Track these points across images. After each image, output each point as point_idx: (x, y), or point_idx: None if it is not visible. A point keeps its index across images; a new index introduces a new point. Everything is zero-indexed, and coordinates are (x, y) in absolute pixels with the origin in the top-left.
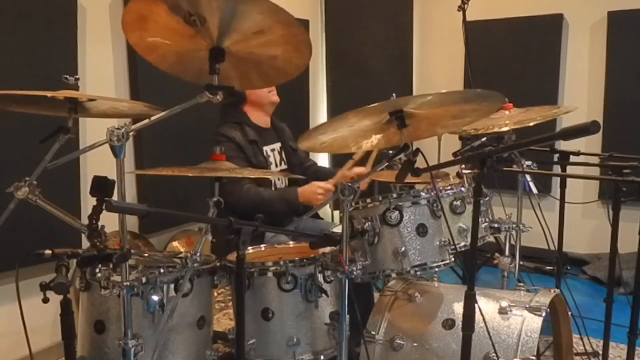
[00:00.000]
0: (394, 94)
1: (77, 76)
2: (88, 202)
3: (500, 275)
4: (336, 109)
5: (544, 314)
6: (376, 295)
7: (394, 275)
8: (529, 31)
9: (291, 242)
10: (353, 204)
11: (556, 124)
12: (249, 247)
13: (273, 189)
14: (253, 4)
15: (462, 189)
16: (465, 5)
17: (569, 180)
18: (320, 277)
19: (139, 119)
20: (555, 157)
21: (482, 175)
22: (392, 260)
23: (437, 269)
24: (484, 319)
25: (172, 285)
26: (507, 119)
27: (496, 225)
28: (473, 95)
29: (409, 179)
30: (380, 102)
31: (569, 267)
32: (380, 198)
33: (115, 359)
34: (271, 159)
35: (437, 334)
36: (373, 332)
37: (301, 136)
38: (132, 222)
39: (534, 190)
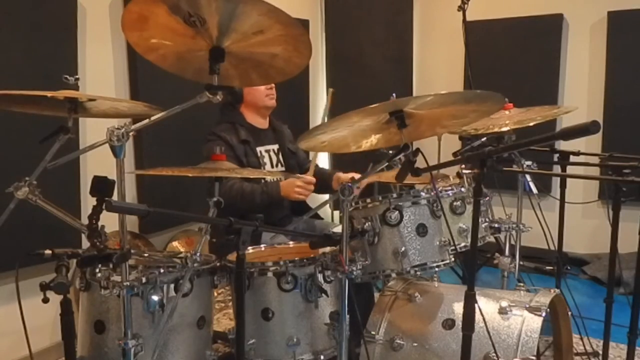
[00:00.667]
0: (394, 94)
1: (77, 76)
2: (88, 202)
3: (500, 275)
4: (336, 109)
5: (544, 314)
6: (376, 295)
7: (394, 275)
8: (529, 31)
9: (291, 242)
10: (353, 204)
11: (556, 124)
12: (249, 247)
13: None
14: (253, 4)
15: (462, 189)
16: (465, 5)
17: (569, 180)
18: (320, 277)
19: (139, 119)
20: (555, 157)
21: (482, 175)
22: (392, 260)
23: (437, 269)
24: (484, 319)
25: (172, 285)
26: (507, 119)
27: (496, 225)
28: (473, 96)
29: (409, 179)
30: (381, 103)
31: (569, 267)
32: (380, 198)
33: (115, 359)
34: (265, 160)
35: (437, 334)
36: (373, 332)
37: (301, 136)
38: (132, 222)
39: (534, 190)
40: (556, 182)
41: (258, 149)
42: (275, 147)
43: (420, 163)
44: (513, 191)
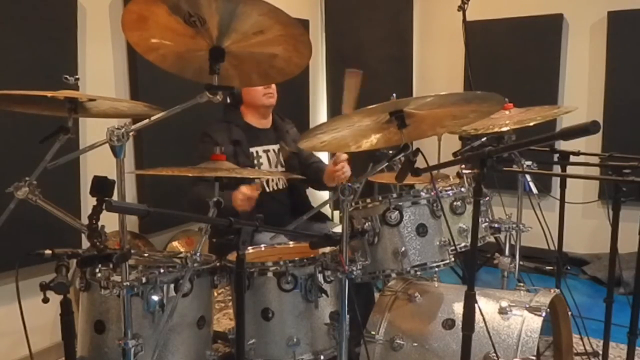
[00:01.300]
0: (394, 94)
1: (77, 76)
2: (88, 202)
3: (500, 275)
4: (336, 109)
5: (544, 314)
6: (376, 295)
7: (394, 275)
8: (529, 31)
9: (291, 242)
10: (353, 204)
11: (556, 124)
12: (249, 247)
13: (268, 190)
14: (253, 4)
15: (462, 189)
16: (465, 5)
17: (569, 180)
18: (320, 277)
19: (139, 119)
20: (555, 157)
21: (482, 175)
22: (392, 260)
23: (437, 269)
24: (484, 319)
25: (172, 285)
26: (507, 119)
27: (496, 225)
28: (473, 97)
29: (409, 179)
30: (381, 104)
31: (569, 267)
32: (380, 198)
33: (115, 359)
34: (262, 160)
35: (437, 334)
36: (373, 332)
37: (301, 136)
38: (132, 222)
39: (534, 190)
40: (556, 182)
41: (254, 149)
42: (276, 147)
43: (420, 163)
44: (513, 191)
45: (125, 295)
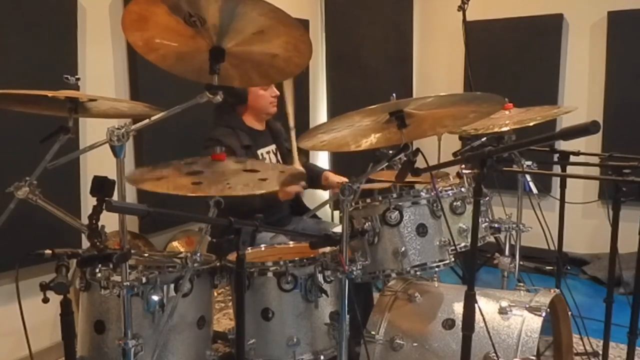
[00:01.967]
0: (394, 94)
1: (77, 76)
2: (88, 202)
3: (500, 275)
4: (336, 109)
5: (544, 314)
6: (376, 295)
7: (394, 275)
8: (529, 31)
9: (291, 242)
10: (353, 204)
11: (556, 124)
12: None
13: None
14: (253, 4)
15: (462, 189)
16: (465, 5)
17: (569, 180)
18: (320, 277)
19: (139, 119)
20: (555, 157)
21: (482, 175)
22: (392, 260)
23: (437, 269)
24: (484, 319)
25: (172, 285)
26: (507, 119)
27: (496, 225)
28: (473, 98)
29: (409, 178)
30: (380, 104)
31: (569, 267)
32: (380, 198)
33: (115, 359)
34: (267, 162)
35: (437, 334)
36: (373, 332)
37: (301, 135)
38: (132, 222)
39: (534, 190)
40: (556, 182)
41: (259, 151)
42: (273, 147)
43: (420, 163)
44: (513, 191)
45: (125, 295)
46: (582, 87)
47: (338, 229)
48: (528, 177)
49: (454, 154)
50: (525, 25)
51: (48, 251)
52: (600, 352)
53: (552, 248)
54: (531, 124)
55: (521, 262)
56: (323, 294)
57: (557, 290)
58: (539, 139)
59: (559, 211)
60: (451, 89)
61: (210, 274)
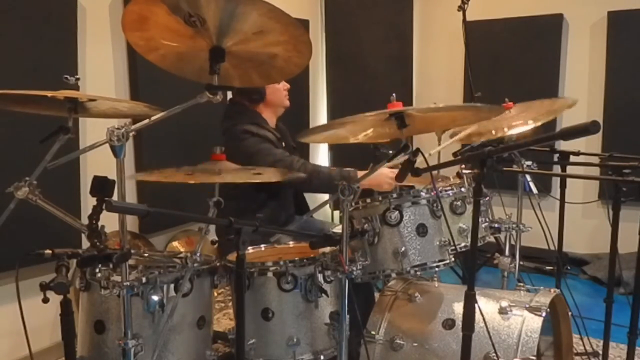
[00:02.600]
0: (393, 95)
1: (77, 76)
2: (88, 202)
3: (500, 275)
4: (336, 109)
5: (544, 314)
6: (376, 295)
7: (394, 275)
8: (529, 31)
9: (291, 242)
10: (353, 204)
11: (556, 124)
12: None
13: None
14: (253, 4)
15: (462, 189)
16: (465, 5)
17: (569, 180)
18: (320, 277)
19: (139, 119)
20: (555, 157)
21: (482, 175)
22: (392, 260)
23: (437, 269)
24: (484, 319)
25: (172, 285)
26: (508, 120)
27: (496, 225)
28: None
29: (409, 179)
30: (379, 112)
31: (569, 267)
32: (380, 198)
33: (115, 359)
34: None
35: (437, 334)
36: (373, 332)
37: (302, 133)
38: (132, 222)
39: (534, 190)
40: (556, 182)
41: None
42: (282, 144)
43: (420, 163)
44: (513, 191)
45: (125, 295)
46: (582, 87)
47: (338, 229)
48: (528, 177)
49: (454, 154)
50: (525, 25)
51: (48, 251)
52: (600, 352)
53: (552, 248)
54: (532, 125)
55: (521, 262)
56: (323, 294)
57: (557, 290)
58: (539, 139)
59: (559, 211)
60: (451, 89)
61: (210, 274)
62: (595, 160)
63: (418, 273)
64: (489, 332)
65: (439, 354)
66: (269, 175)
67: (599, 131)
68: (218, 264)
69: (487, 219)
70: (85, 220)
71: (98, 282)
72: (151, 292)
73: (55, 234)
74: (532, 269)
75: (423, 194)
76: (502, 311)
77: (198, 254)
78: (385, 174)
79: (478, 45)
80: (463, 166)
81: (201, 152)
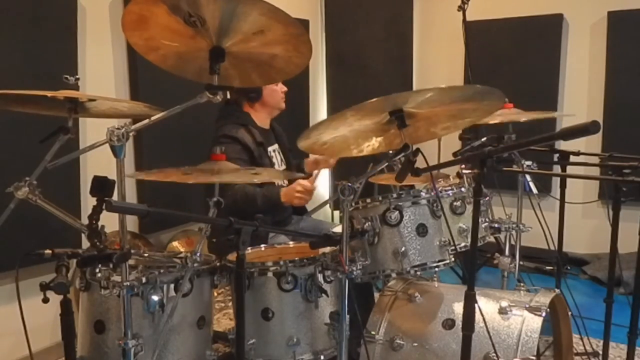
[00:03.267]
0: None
1: (77, 76)
2: (88, 202)
3: (500, 275)
4: (336, 109)
5: (544, 314)
6: (376, 295)
7: (394, 275)
8: (529, 31)
9: (291, 242)
10: (353, 204)
11: (556, 124)
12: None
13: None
14: (253, 4)
15: (462, 189)
16: (465, 5)
17: (569, 180)
18: (320, 277)
19: (139, 119)
20: (555, 157)
21: (482, 175)
22: (392, 260)
23: (437, 269)
24: (484, 319)
25: (172, 285)
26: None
27: (496, 225)
28: (473, 92)
29: (409, 179)
30: (380, 97)
31: (569, 267)
32: (380, 198)
33: (115, 359)
34: (274, 160)
35: (437, 334)
36: (373, 332)
37: (300, 136)
38: (132, 222)
39: (534, 190)
40: (556, 182)
41: (268, 149)
42: (276, 146)
43: (420, 163)
44: (513, 191)
45: (125, 295)
46: (582, 87)
47: (338, 229)
48: (528, 177)
49: (454, 154)
50: (525, 25)
51: (48, 251)
52: (600, 352)
53: (552, 248)
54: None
55: (521, 262)
56: (323, 294)
57: (557, 290)
58: (539, 139)
59: (559, 211)
60: None
61: (210, 274)
62: (595, 160)
63: (418, 273)
64: (489, 332)
65: (439, 354)
66: (269, 176)
67: (599, 131)
68: (218, 264)
69: (487, 219)
70: (85, 220)
71: (98, 282)
72: (151, 292)
73: (55, 234)
74: (532, 269)
75: (423, 194)
76: (502, 311)
77: (198, 254)
78: (292, 188)
79: (478, 45)
80: (463, 166)
81: (201, 152)
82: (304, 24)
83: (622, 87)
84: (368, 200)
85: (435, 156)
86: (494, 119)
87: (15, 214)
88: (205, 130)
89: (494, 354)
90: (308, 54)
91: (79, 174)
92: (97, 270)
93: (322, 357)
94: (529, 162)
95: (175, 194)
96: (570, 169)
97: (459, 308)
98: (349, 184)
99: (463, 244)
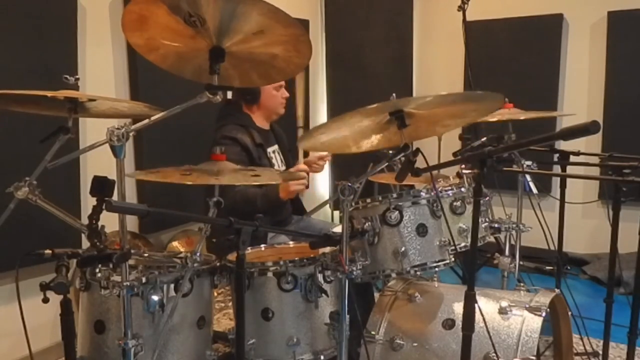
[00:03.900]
0: (394, 94)
1: (77, 76)
2: (88, 202)
3: (500, 275)
4: (336, 109)
5: (544, 314)
6: (376, 295)
7: (394, 275)
8: (529, 31)
9: (291, 242)
10: (353, 204)
11: (556, 124)
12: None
13: None
14: (253, 4)
15: (462, 189)
16: (465, 5)
17: (569, 180)
18: (320, 277)
19: (139, 119)
20: (555, 157)
21: (482, 175)
22: (392, 260)
23: (437, 269)
24: (484, 319)
25: (172, 285)
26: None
27: (496, 225)
28: (473, 97)
29: (409, 179)
30: (380, 103)
31: (569, 267)
32: (380, 198)
33: (115, 359)
34: (274, 161)
35: (437, 334)
36: (373, 332)
37: (301, 136)
38: (132, 222)
39: (534, 190)
40: (556, 182)
41: (268, 150)
42: (276, 147)
43: (420, 163)
44: (513, 191)
45: (125, 295)
46: (582, 87)
47: (338, 229)
48: (528, 177)
49: (454, 154)
50: (525, 25)
51: (48, 251)
52: (600, 352)
53: (552, 248)
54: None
55: (521, 262)
56: (323, 294)
57: (557, 290)
58: (539, 139)
59: (559, 211)
60: (451, 89)
61: (210, 274)
62: (595, 160)
63: (418, 273)
64: (488, 332)
65: (439, 354)
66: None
67: (599, 131)
68: (218, 264)
69: (487, 219)
70: (85, 220)
71: (98, 282)
72: (151, 292)
73: (55, 234)
74: (532, 269)
75: (423, 194)
76: (502, 311)
77: (198, 254)
78: (285, 184)
79: (478, 45)
80: (463, 166)
81: (201, 152)
82: (304, 24)
83: (622, 87)
84: (368, 200)
85: (435, 156)
86: (493, 118)
87: (15, 214)
88: (205, 130)
89: (494, 354)
90: (308, 54)
91: (79, 174)
92: (97, 270)
93: (322, 357)
94: (529, 162)
95: (175, 194)
96: (570, 169)
97: (459, 308)
98: (349, 184)
99: (463, 244)
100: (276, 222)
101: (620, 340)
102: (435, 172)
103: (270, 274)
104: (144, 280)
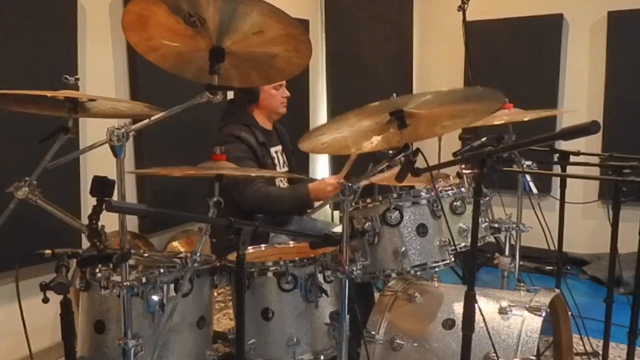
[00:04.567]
0: (394, 94)
1: (77, 76)
2: (88, 202)
3: (500, 275)
4: (336, 109)
5: (544, 314)
6: (376, 295)
7: (394, 275)
8: (529, 31)
9: (291, 242)
10: (353, 204)
11: (556, 124)
12: (249, 247)
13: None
14: (253, 4)
15: (462, 189)
16: (465, 5)
17: (569, 180)
18: (320, 277)
19: (139, 119)
20: (555, 157)
21: (482, 175)
22: (392, 260)
23: (437, 269)
24: (484, 319)
25: (172, 285)
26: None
27: (496, 225)
28: (473, 94)
29: (409, 179)
30: (380, 102)
31: (569, 267)
32: (380, 198)
33: (115, 359)
34: (276, 160)
35: (437, 334)
36: (373, 332)
37: (301, 137)
38: (132, 222)
39: (534, 190)
40: (556, 182)
41: (270, 149)
42: (280, 147)
43: (420, 163)
44: (513, 191)
45: (125, 295)
46: (582, 87)
47: (338, 229)
48: (528, 177)
49: (454, 154)
50: (525, 25)
51: (48, 251)
52: (600, 352)
53: (552, 248)
54: (526, 118)
55: (521, 262)
56: (323, 294)
57: (557, 290)
58: (539, 139)
59: (559, 211)
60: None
61: (210, 274)
62: (595, 160)
63: (418, 273)
64: (489, 332)
65: (439, 354)
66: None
67: (599, 131)
68: (218, 264)
69: (487, 219)
70: (85, 220)
71: (98, 282)
72: (151, 292)
73: (55, 234)
74: (532, 269)
75: (423, 194)
76: (502, 311)
77: (198, 254)
78: (323, 187)
79: (478, 45)
80: (463, 166)
81: (201, 152)
82: (304, 24)
83: (622, 87)
84: (368, 200)
85: (435, 156)
86: (494, 119)
87: (15, 214)
88: (205, 130)
89: (494, 354)
90: (308, 54)
91: (79, 174)
92: (97, 270)
93: (322, 357)
94: (529, 162)
95: (175, 194)
96: (570, 169)
97: (459, 308)
98: (349, 184)
99: (463, 244)
100: (277, 222)
101: (620, 340)
102: (435, 172)
103: (270, 274)
104: (144, 280)
